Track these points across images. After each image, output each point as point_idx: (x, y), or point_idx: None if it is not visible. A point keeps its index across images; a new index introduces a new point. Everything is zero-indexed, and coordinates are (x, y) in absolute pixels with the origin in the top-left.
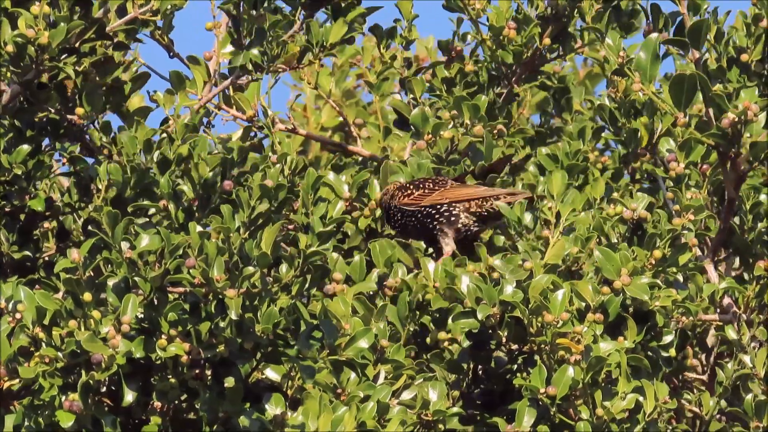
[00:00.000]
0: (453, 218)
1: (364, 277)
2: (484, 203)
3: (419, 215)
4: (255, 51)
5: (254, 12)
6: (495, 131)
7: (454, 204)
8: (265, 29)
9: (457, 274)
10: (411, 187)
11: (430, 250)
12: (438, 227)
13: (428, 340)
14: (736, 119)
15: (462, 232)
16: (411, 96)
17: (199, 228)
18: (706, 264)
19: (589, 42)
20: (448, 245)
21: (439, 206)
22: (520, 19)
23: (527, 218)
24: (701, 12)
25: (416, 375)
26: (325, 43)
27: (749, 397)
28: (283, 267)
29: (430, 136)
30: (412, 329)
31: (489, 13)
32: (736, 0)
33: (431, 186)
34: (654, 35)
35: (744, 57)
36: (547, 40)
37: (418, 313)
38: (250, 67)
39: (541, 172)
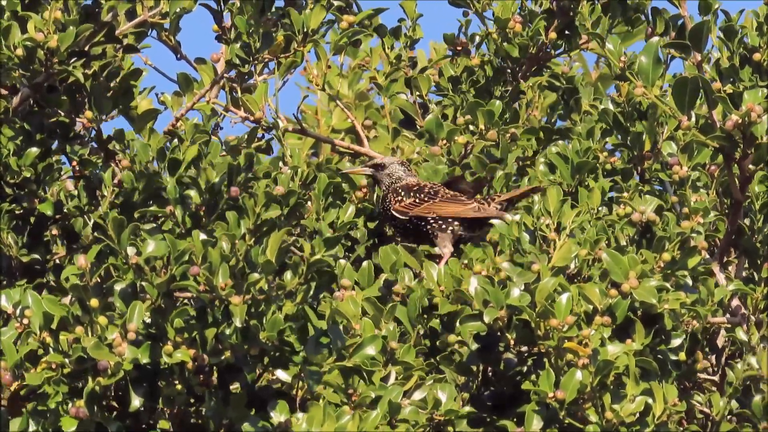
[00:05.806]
0: (444, 225)
1: (372, 283)
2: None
3: (411, 221)
4: (238, 44)
5: (262, 17)
6: (508, 135)
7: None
8: (272, 34)
9: (464, 276)
10: (402, 193)
11: (436, 250)
12: (432, 232)
13: (438, 342)
14: (740, 121)
15: (457, 235)
16: (417, 94)
17: (202, 236)
18: (713, 266)
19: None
20: (446, 247)
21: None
22: (525, 15)
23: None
24: (713, 11)
25: (426, 376)
26: (306, 30)
27: (758, 398)
28: (288, 274)
29: (445, 141)
30: (421, 332)
31: (494, 7)
32: (748, 0)
33: (421, 197)
34: (655, 39)
35: (756, 56)
36: (552, 35)
37: (426, 317)
38: (236, 61)
39: (551, 170)
